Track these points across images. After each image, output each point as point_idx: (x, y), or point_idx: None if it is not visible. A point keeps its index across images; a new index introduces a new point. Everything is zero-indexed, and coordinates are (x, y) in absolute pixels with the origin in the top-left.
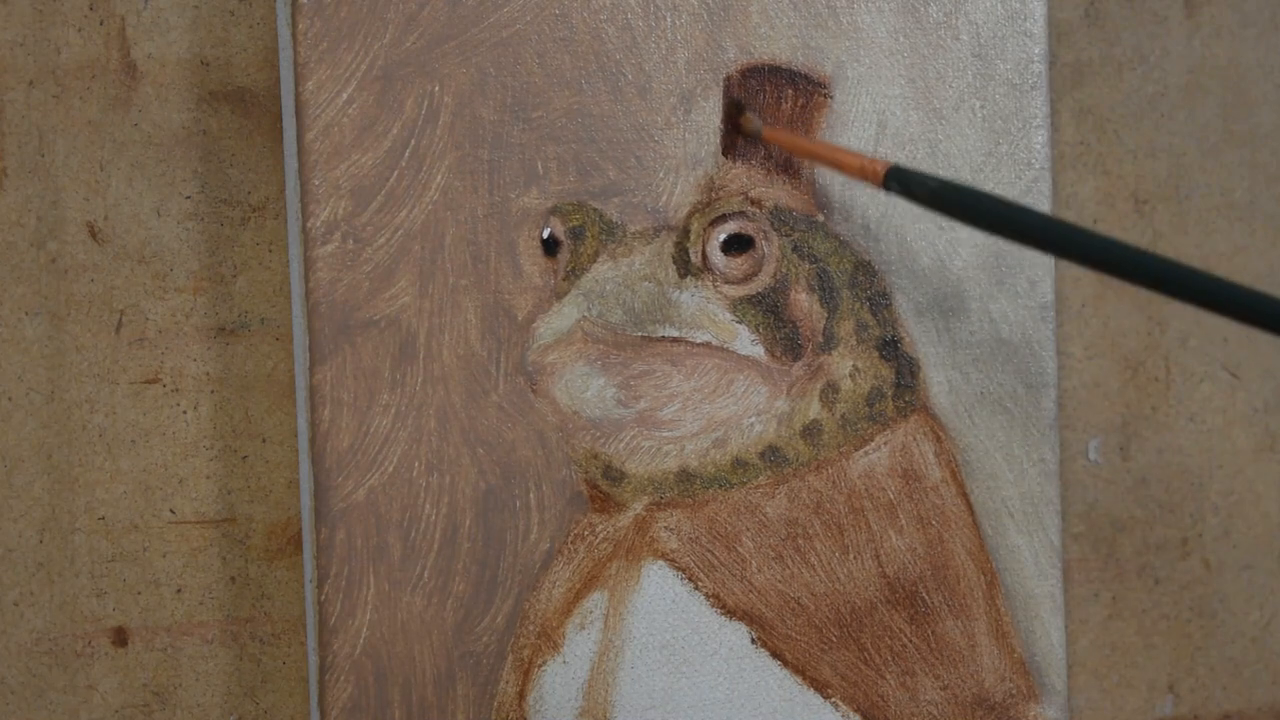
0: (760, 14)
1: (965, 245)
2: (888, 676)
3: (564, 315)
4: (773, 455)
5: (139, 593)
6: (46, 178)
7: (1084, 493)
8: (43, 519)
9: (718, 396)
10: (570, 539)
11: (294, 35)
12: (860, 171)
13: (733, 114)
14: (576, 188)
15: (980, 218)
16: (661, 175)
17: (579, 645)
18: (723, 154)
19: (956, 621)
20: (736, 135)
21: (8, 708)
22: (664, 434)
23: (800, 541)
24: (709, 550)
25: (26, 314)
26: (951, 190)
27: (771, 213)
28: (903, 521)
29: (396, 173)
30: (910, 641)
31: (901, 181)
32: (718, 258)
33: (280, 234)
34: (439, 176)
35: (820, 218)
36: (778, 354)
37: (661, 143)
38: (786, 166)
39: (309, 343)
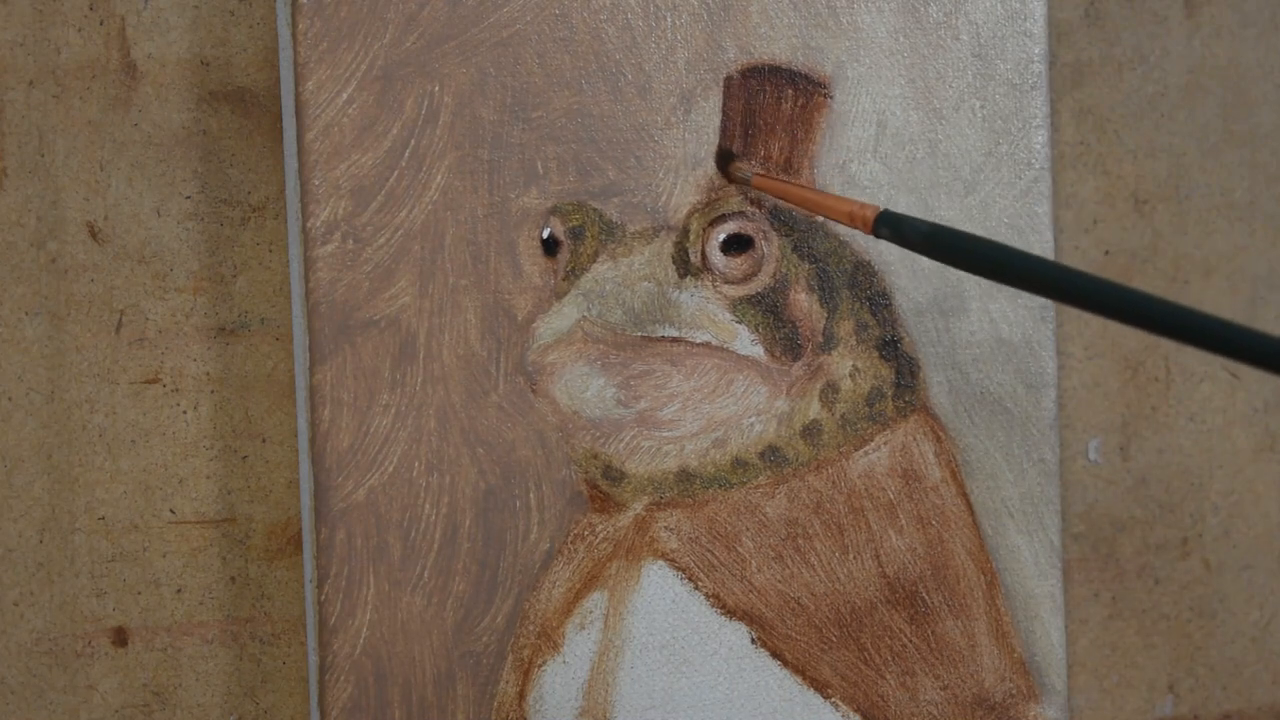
0: (760, 14)
1: None
2: (888, 676)
3: (564, 315)
4: (773, 455)
5: (139, 593)
6: (46, 178)
7: (1084, 493)
8: (43, 519)
9: (717, 396)
10: (570, 539)
11: (294, 35)
12: (850, 218)
13: (723, 162)
14: (576, 188)
15: (972, 262)
16: (661, 175)
17: (579, 645)
18: (717, 167)
19: (956, 621)
20: (727, 178)
21: (8, 708)
22: (664, 434)
23: (800, 541)
24: (709, 550)
25: (26, 314)
26: (943, 234)
27: (771, 212)
28: (903, 521)
29: (396, 173)
30: (910, 641)
31: (892, 227)
32: (717, 258)
33: (280, 234)
34: (439, 176)
35: (820, 217)
36: (777, 354)
37: (661, 143)
38: (787, 167)
39: (309, 343)
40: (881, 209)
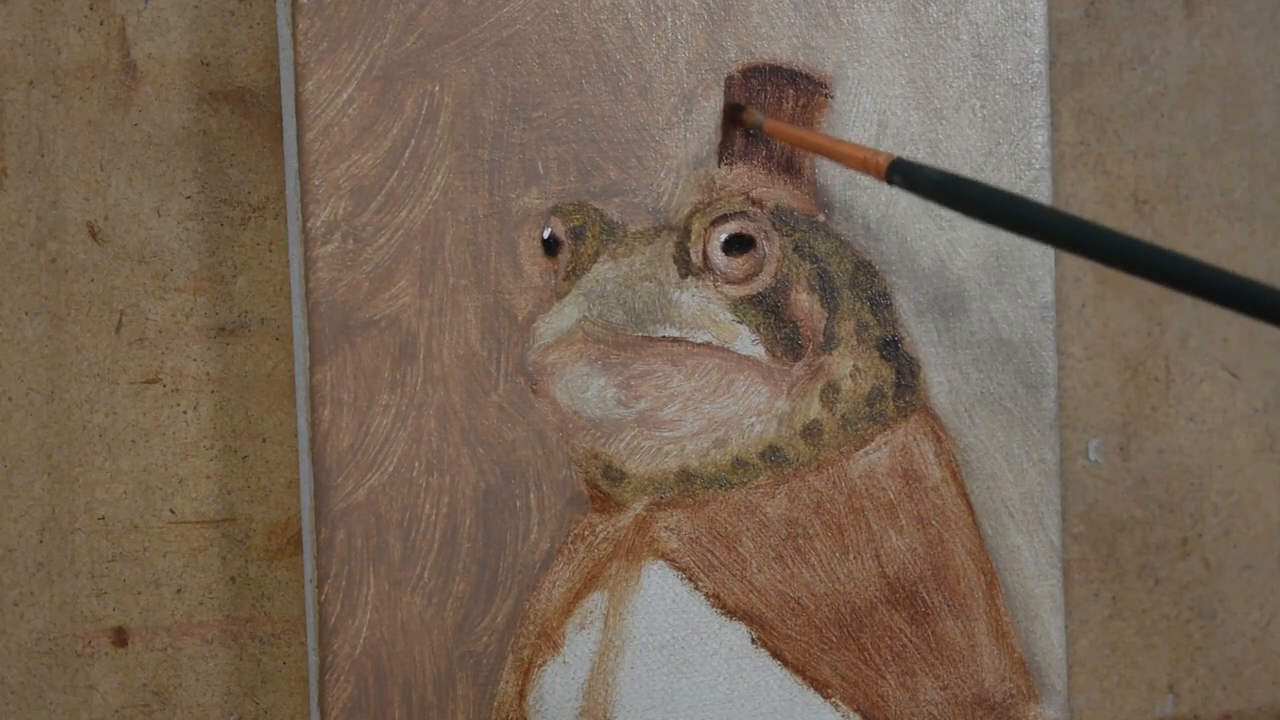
0: (761, 14)
1: (965, 245)
2: (888, 676)
3: (564, 315)
4: (773, 455)
5: (139, 593)
6: (46, 178)
7: (1084, 493)
8: (43, 519)
9: (718, 396)
10: (570, 539)
11: (294, 35)
12: (863, 164)
13: (733, 114)
14: (577, 188)
15: (983, 210)
16: (662, 175)
17: (579, 645)
18: (718, 163)
19: (956, 621)
20: (737, 130)
21: (8, 708)
22: (664, 434)
23: (800, 541)
24: (709, 550)
25: (26, 314)
26: (954, 182)
27: (772, 213)
28: (903, 521)
29: (396, 173)
30: (910, 641)
31: (904, 174)
32: (718, 258)
33: (280, 234)
34: (439, 176)
35: (821, 218)
36: (778, 354)
37: (662, 143)
38: (788, 166)
39: (309, 343)
40: (894, 157)
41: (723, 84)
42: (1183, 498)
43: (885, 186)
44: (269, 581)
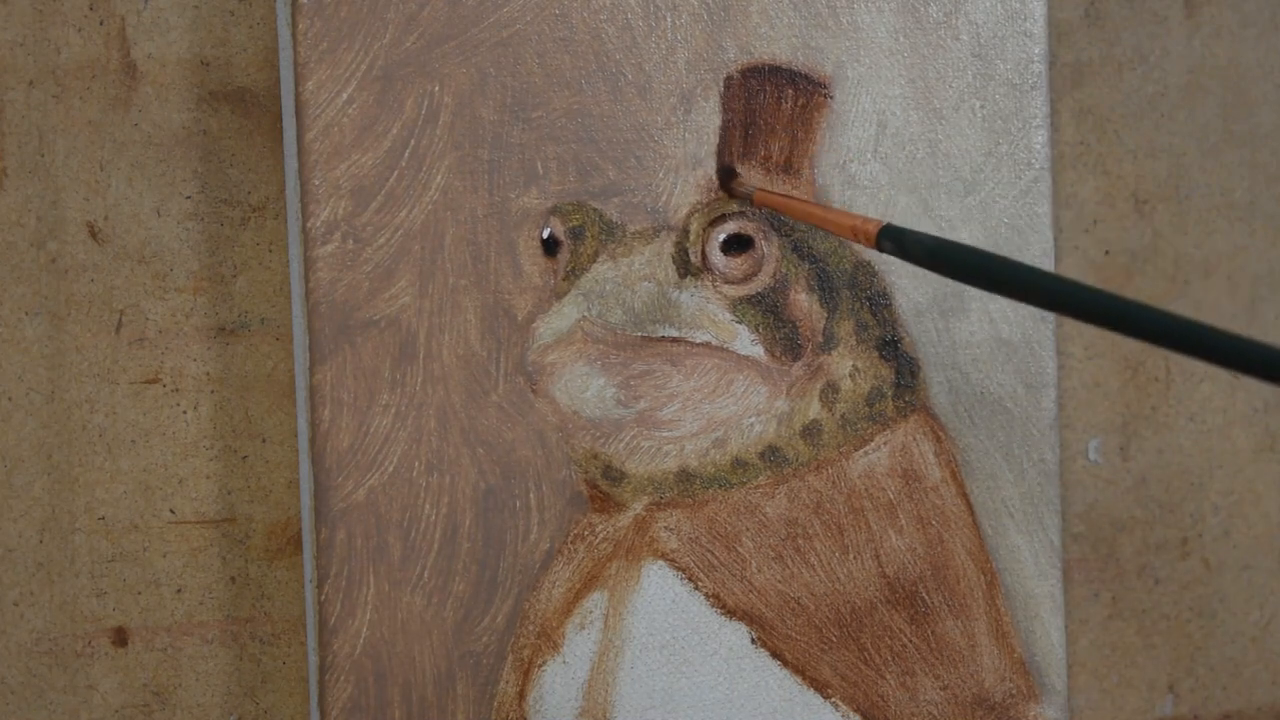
0: (760, 14)
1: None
2: (888, 676)
3: (564, 315)
4: (772, 455)
5: (139, 593)
6: (46, 178)
7: (1084, 493)
8: (43, 519)
9: (717, 396)
10: (570, 539)
11: (294, 35)
12: (853, 233)
13: (724, 177)
14: (576, 188)
15: (975, 275)
16: (661, 175)
17: (579, 645)
18: (718, 182)
19: (956, 621)
20: (729, 195)
21: (8, 708)
22: (664, 434)
23: (800, 541)
24: (709, 550)
25: (26, 314)
26: (946, 248)
27: (771, 212)
28: (903, 521)
29: (396, 173)
30: (910, 641)
31: (895, 240)
32: (717, 258)
33: (280, 234)
34: (439, 176)
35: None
36: (777, 354)
37: (661, 143)
38: (787, 167)
39: (309, 343)
40: (884, 223)
41: (722, 84)
42: (1183, 498)
43: (884, 186)
44: (269, 581)
